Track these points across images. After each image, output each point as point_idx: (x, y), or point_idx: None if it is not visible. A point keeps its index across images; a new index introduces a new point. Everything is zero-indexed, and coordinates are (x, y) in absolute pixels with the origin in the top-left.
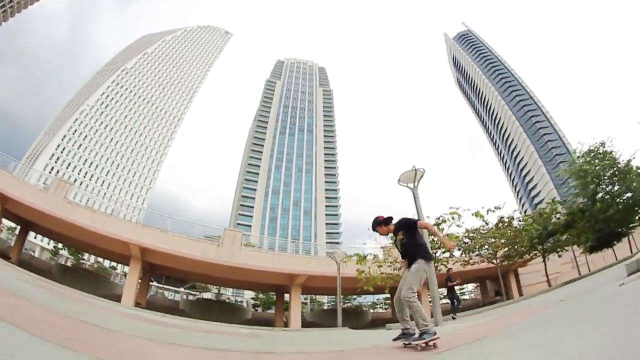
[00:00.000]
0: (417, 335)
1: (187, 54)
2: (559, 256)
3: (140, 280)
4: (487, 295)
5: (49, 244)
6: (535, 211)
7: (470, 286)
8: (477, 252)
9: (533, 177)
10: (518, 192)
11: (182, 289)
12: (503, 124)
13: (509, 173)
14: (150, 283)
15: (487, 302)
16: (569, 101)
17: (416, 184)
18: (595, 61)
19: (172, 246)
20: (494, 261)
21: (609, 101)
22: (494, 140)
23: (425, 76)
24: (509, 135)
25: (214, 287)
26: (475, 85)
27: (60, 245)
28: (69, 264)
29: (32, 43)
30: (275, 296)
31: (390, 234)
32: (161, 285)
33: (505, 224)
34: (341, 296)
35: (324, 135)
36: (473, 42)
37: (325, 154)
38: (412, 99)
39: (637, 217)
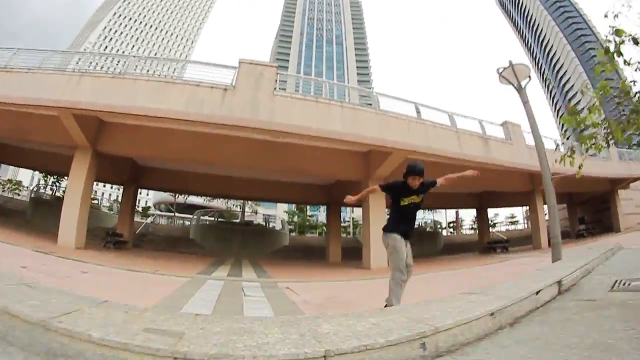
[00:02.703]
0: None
1: None
2: None
3: (118, 201)
4: (575, 224)
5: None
6: None
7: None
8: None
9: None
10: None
11: (203, 216)
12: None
13: (548, 88)
14: (148, 210)
15: (578, 231)
16: None
17: (523, 82)
18: None
19: (131, 100)
20: None
21: None
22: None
23: None
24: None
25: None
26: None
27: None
28: (46, 198)
29: None
30: (326, 210)
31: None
32: (164, 213)
33: None
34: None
35: (355, 48)
36: None
37: (357, 66)
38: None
39: None
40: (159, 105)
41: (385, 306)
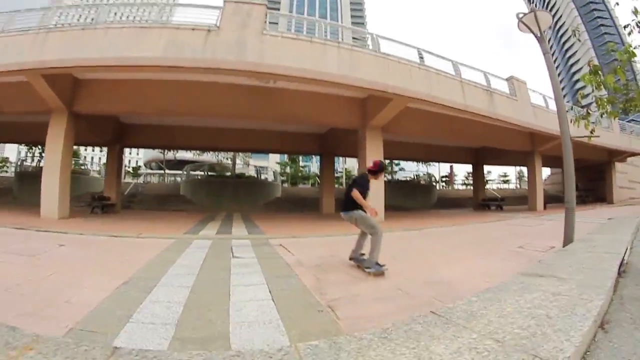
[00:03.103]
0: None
1: None
2: None
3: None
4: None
5: None
6: None
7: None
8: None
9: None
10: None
11: (193, 171)
12: None
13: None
14: (139, 169)
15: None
16: None
17: (543, 30)
18: None
19: (105, 52)
20: None
21: None
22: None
23: None
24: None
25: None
26: None
27: None
28: (31, 171)
29: None
30: (319, 160)
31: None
32: (155, 172)
33: None
34: None
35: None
36: None
37: (351, 15)
38: None
39: None
40: (136, 54)
41: (367, 268)
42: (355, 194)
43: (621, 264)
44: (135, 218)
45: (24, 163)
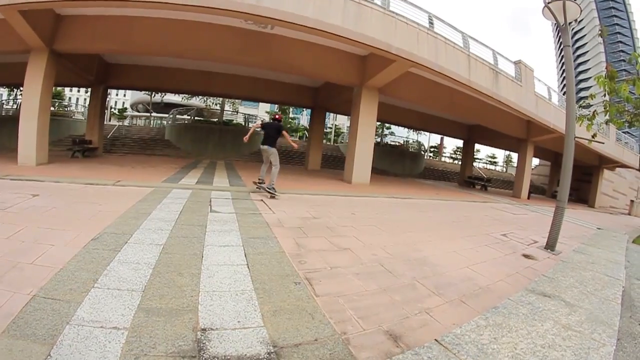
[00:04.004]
0: (267, 186)
1: None
2: None
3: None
4: (554, 183)
5: None
6: None
7: None
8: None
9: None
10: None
11: (180, 115)
12: None
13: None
14: (125, 112)
15: (554, 192)
16: None
17: (569, 22)
18: None
19: None
20: None
21: None
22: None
23: None
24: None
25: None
26: None
27: None
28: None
29: None
30: (310, 114)
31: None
32: (141, 114)
33: None
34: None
35: None
36: None
37: None
38: None
39: None
40: None
41: (268, 189)
42: (287, 135)
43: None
44: (116, 163)
45: (4, 106)
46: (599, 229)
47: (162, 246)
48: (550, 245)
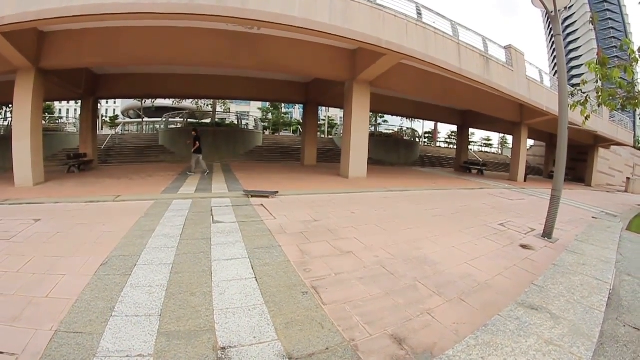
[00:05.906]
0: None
1: None
2: None
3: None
4: (550, 164)
5: None
6: None
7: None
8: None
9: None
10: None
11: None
12: None
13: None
14: (117, 119)
15: (550, 172)
16: None
17: (559, 10)
18: None
19: (65, 0)
20: None
21: None
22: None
23: None
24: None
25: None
26: None
27: None
28: (3, 133)
29: None
30: (302, 109)
31: None
32: (134, 120)
33: None
34: None
35: None
36: None
37: None
38: None
39: None
40: (104, 0)
41: (187, 172)
42: (197, 144)
43: (610, 295)
44: (113, 175)
45: None
46: (594, 217)
47: (171, 265)
48: (547, 234)
